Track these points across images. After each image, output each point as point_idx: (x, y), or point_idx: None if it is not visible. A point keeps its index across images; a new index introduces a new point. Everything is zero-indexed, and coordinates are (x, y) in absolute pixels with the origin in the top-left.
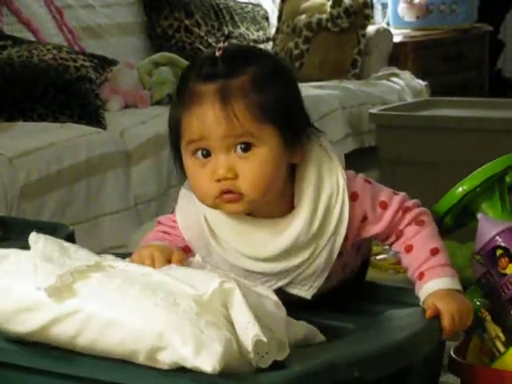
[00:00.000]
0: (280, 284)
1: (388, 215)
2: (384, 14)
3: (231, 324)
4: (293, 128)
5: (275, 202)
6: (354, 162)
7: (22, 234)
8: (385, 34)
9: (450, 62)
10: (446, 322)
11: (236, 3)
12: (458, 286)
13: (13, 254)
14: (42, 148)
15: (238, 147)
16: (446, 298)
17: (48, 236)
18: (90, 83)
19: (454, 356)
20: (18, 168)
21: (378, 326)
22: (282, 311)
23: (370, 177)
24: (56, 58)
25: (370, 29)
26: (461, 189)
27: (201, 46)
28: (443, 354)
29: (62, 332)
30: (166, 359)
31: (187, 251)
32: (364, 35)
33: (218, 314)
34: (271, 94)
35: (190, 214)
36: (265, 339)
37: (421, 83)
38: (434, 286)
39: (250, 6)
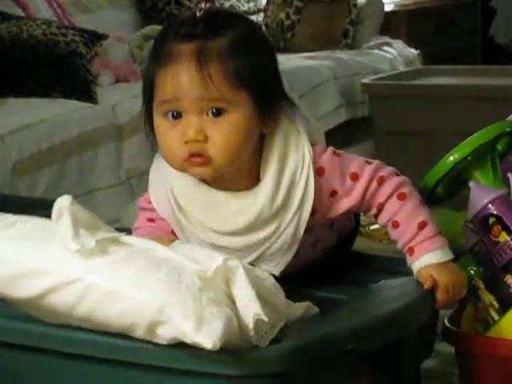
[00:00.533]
0: (248, 260)
1: (360, 187)
2: None
3: (232, 301)
4: (267, 97)
5: (242, 174)
6: (348, 132)
7: (14, 210)
8: (376, 3)
9: (441, 30)
10: (440, 294)
11: None
12: (450, 256)
13: (19, 221)
14: (34, 124)
15: (210, 111)
16: (439, 270)
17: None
18: (81, 58)
19: (448, 325)
20: (10, 145)
21: (370, 296)
22: (281, 292)
23: (365, 147)
24: (46, 34)
25: None
26: (452, 157)
27: None
28: (437, 323)
29: (61, 300)
30: (165, 334)
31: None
32: (355, 5)
33: (219, 290)
34: (249, 60)
35: (160, 189)
36: (265, 318)
37: (413, 52)
38: (426, 260)
39: None
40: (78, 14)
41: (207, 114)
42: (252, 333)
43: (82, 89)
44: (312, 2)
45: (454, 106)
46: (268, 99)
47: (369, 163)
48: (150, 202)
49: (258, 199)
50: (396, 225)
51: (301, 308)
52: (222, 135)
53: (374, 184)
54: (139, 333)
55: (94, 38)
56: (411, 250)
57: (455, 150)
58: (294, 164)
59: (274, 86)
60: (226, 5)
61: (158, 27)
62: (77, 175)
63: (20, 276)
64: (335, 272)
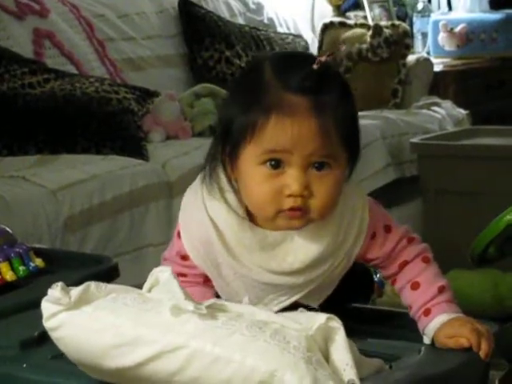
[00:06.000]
0: (296, 297)
1: (392, 240)
2: (424, 44)
3: (327, 360)
4: (355, 158)
5: None
6: (395, 191)
7: (65, 266)
8: (425, 63)
9: (491, 91)
10: (483, 343)
11: (276, 34)
12: None
13: (114, 291)
14: (85, 180)
15: (315, 166)
16: (461, 323)
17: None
18: (132, 115)
19: None
20: (62, 200)
21: (421, 355)
22: (355, 348)
23: (412, 207)
24: (98, 91)
25: (411, 58)
26: (505, 218)
27: None
28: None
29: (162, 368)
30: None
31: (207, 282)
32: (404, 65)
33: (319, 350)
34: (353, 117)
35: (196, 234)
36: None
37: (462, 112)
38: (442, 319)
39: (291, 36)
40: (129, 71)
41: (312, 168)
42: None
43: (134, 146)
44: (361, 62)
45: (504, 167)
46: (355, 160)
47: (399, 224)
48: (177, 254)
49: (325, 234)
50: (416, 286)
51: (373, 366)
52: (326, 192)
53: (404, 242)
54: None
55: (146, 95)
56: (428, 311)
57: (508, 212)
58: (353, 203)
59: (359, 147)
60: None
61: (209, 85)
62: (127, 231)
63: (118, 346)
64: (387, 328)
